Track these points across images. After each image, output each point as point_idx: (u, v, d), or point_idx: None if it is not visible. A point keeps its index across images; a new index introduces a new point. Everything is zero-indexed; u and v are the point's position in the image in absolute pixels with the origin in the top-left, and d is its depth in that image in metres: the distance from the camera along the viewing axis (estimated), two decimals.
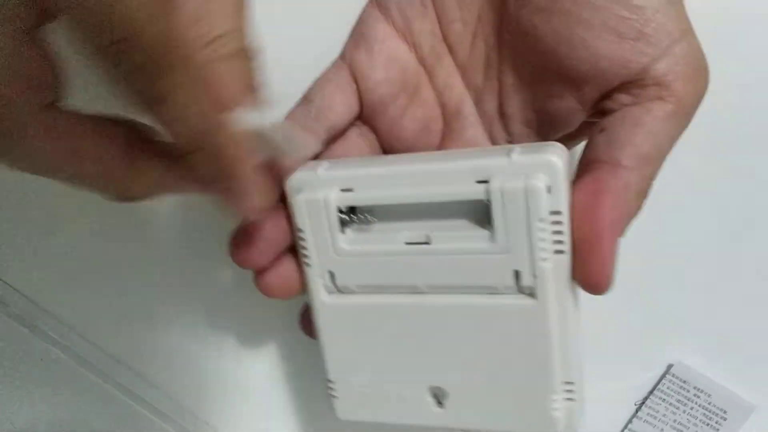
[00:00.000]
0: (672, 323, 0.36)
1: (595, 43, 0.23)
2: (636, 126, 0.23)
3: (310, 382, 0.37)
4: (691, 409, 0.36)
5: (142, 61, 0.17)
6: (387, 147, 0.29)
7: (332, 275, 0.26)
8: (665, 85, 0.23)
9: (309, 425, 0.39)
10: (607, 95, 0.24)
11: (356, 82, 0.28)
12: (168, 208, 0.35)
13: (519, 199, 0.22)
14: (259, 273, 0.27)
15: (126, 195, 0.22)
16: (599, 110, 0.24)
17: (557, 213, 0.22)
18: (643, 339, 0.36)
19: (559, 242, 0.23)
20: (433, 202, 0.24)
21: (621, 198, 0.22)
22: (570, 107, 0.25)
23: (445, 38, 0.27)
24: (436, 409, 0.26)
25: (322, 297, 0.27)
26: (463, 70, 0.28)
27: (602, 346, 0.36)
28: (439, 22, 0.27)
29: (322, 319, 0.27)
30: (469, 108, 0.28)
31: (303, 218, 0.25)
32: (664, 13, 0.22)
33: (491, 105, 0.27)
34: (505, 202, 0.22)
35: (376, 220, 0.25)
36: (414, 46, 0.28)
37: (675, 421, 0.37)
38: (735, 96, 0.30)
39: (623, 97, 0.23)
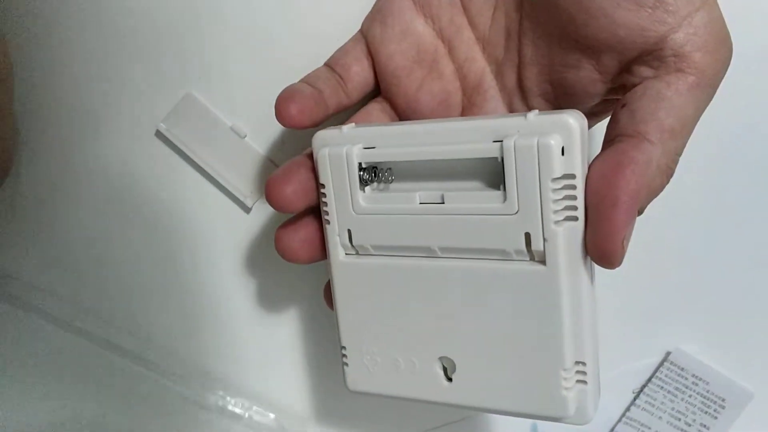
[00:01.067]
0: (670, 311, 0.35)
1: (613, 11, 0.23)
2: (658, 100, 0.23)
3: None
4: (690, 396, 0.36)
5: None
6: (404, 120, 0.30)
7: (350, 234, 0.27)
8: (684, 56, 0.22)
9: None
10: (627, 68, 0.24)
11: (371, 55, 0.29)
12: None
13: (531, 157, 0.22)
14: (281, 238, 0.28)
15: None
16: (620, 85, 0.24)
17: (571, 176, 0.22)
18: (642, 326, 0.36)
19: (572, 208, 0.22)
20: (450, 159, 0.24)
21: (643, 171, 0.22)
22: (589, 77, 0.25)
23: (466, 11, 0.27)
24: (445, 383, 0.26)
25: (339, 257, 0.27)
26: (484, 44, 0.28)
27: (600, 334, 0.36)
28: None
29: (338, 280, 0.28)
30: (489, 81, 0.28)
31: (326, 172, 0.26)
32: None
33: (511, 78, 0.27)
34: (517, 159, 0.22)
35: (393, 178, 0.26)
36: (432, 19, 0.28)
37: (673, 408, 0.37)
38: (735, 92, 0.30)
39: (643, 70, 0.23)
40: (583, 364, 0.24)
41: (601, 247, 0.22)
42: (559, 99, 0.27)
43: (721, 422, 0.36)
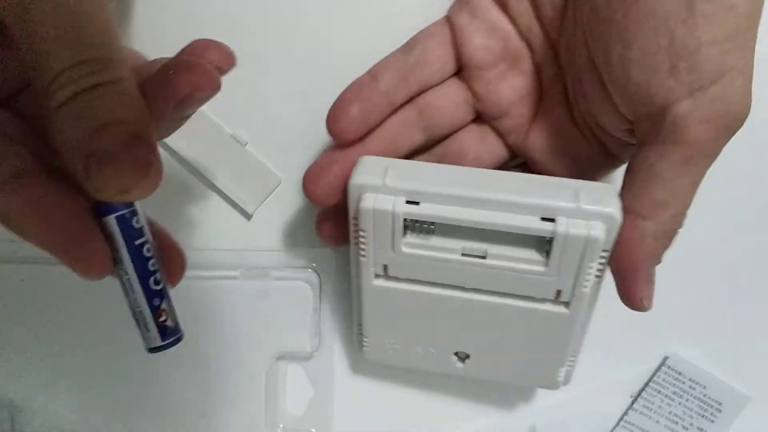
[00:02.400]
0: (667, 316, 0.36)
1: (629, 67, 0.22)
2: (651, 174, 0.23)
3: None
4: (687, 400, 0.37)
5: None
6: (480, 108, 0.30)
7: (386, 267, 0.28)
8: (681, 129, 0.22)
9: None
10: (634, 125, 0.24)
11: (456, 44, 0.29)
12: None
13: (579, 243, 0.24)
14: (311, 181, 0.28)
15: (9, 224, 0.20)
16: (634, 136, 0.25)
17: (605, 251, 0.25)
18: (639, 331, 0.36)
19: (600, 272, 0.26)
20: (493, 225, 0.25)
21: (642, 246, 0.24)
22: (610, 118, 0.25)
23: (539, 19, 0.28)
24: (459, 365, 0.31)
25: (372, 281, 0.28)
26: (555, 51, 0.28)
27: (598, 339, 0.36)
28: (532, 2, 0.28)
29: (367, 298, 0.29)
30: (558, 88, 0.28)
31: (368, 222, 0.26)
32: (712, 48, 0.21)
33: (571, 89, 0.28)
34: (567, 242, 0.25)
35: (435, 229, 0.26)
36: (513, 20, 0.28)
37: (670, 412, 0.37)
38: None
39: (643, 133, 0.23)
40: (574, 357, 0.30)
41: (634, 304, 0.25)
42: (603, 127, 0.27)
43: (718, 426, 0.37)
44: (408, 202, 0.25)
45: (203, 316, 0.35)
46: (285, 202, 0.35)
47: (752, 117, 0.32)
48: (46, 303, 0.36)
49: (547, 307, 0.27)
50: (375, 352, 0.31)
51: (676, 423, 0.37)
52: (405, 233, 0.26)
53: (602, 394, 0.37)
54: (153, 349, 0.22)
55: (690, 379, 0.36)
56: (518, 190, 0.25)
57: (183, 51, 0.23)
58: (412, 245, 0.26)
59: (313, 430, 0.37)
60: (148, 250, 0.21)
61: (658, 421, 0.37)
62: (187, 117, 0.23)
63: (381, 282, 0.28)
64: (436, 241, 0.26)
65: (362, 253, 0.27)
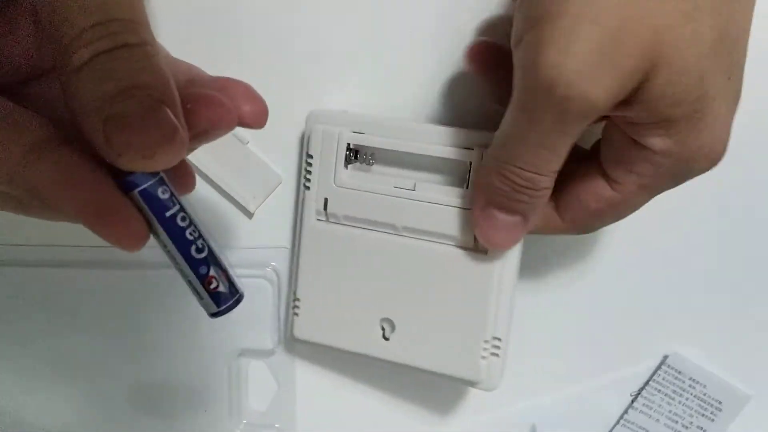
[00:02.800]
0: (667, 314, 0.36)
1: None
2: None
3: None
4: (687, 399, 0.37)
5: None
6: None
7: (326, 202, 0.31)
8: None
9: None
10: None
11: None
12: None
13: None
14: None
15: (36, 205, 0.19)
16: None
17: None
18: (639, 330, 0.36)
19: None
20: (425, 155, 0.29)
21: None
22: None
23: None
24: (382, 341, 0.31)
25: (311, 221, 0.31)
26: None
27: (598, 337, 0.36)
28: None
29: (305, 241, 0.32)
30: None
31: (316, 146, 0.30)
32: None
33: None
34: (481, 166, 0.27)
35: (374, 162, 0.30)
36: None
37: (670, 411, 0.37)
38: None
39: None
40: (499, 339, 0.30)
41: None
42: None
43: (718, 425, 0.37)
44: (353, 132, 0.30)
45: (164, 311, 0.35)
46: (285, 200, 0.35)
47: (752, 117, 0.33)
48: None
49: (468, 252, 0.29)
50: (306, 323, 0.32)
51: (676, 422, 0.37)
52: (346, 166, 0.30)
53: (602, 393, 0.37)
54: (213, 315, 0.21)
55: (690, 378, 0.36)
56: (446, 129, 0.29)
57: (215, 82, 0.22)
58: (352, 176, 0.30)
59: (277, 425, 0.37)
60: (183, 219, 0.20)
61: (658, 420, 0.37)
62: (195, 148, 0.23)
63: (320, 225, 0.31)
64: (372, 174, 0.31)
65: (307, 183, 0.31)
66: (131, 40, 0.17)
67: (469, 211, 0.28)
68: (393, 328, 0.31)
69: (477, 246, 0.29)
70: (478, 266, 0.29)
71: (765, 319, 0.36)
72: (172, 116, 0.17)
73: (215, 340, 0.36)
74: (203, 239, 0.21)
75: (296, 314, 0.33)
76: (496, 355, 0.30)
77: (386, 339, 0.31)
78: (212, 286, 0.21)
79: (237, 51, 0.33)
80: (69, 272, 0.34)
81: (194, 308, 0.35)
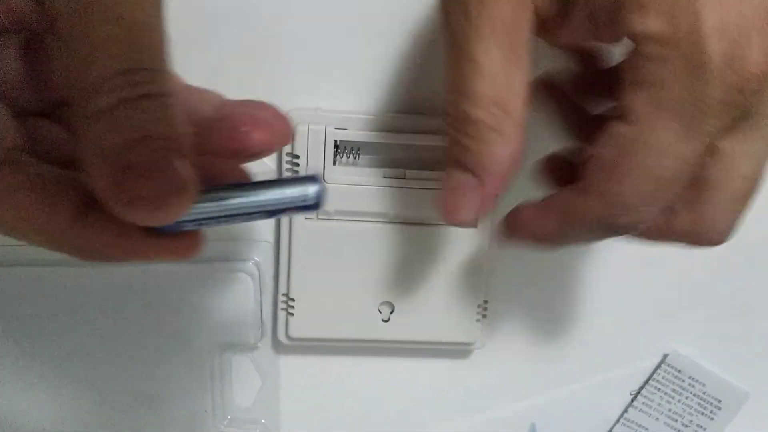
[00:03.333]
0: (667, 314, 0.36)
1: None
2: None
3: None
4: (686, 398, 0.37)
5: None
6: None
7: None
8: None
9: None
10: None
11: None
12: None
13: None
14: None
15: (88, 257, 0.20)
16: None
17: None
18: (639, 329, 0.36)
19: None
20: (411, 145, 0.30)
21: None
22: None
23: None
24: (382, 324, 0.32)
25: (302, 221, 0.31)
26: None
27: (598, 336, 0.36)
28: None
29: (297, 241, 0.32)
30: None
31: (302, 145, 0.30)
32: None
33: None
34: None
35: (360, 156, 0.31)
36: None
37: (670, 410, 0.37)
38: None
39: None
40: (486, 302, 0.33)
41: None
42: None
43: (717, 423, 0.37)
44: (337, 129, 0.30)
45: (147, 307, 0.35)
46: None
47: None
48: None
49: (460, 230, 0.31)
50: (303, 321, 0.32)
51: (676, 420, 0.37)
52: (334, 162, 0.30)
53: (602, 392, 0.37)
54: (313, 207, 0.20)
55: (689, 377, 0.36)
56: (426, 118, 0.30)
57: (245, 105, 0.22)
58: (341, 172, 0.30)
59: (263, 420, 0.37)
60: (223, 210, 0.19)
61: (657, 419, 0.37)
62: None
63: (311, 222, 0.31)
64: (361, 169, 0.31)
65: None
66: (153, 90, 0.17)
67: None
68: (392, 309, 0.32)
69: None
70: (469, 240, 0.31)
71: (764, 319, 0.36)
72: (186, 167, 0.17)
73: (197, 335, 0.35)
74: (245, 205, 0.19)
75: (291, 314, 0.33)
76: (485, 316, 0.33)
77: (385, 321, 0.32)
78: (290, 208, 0.19)
79: (207, 57, 0.33)
80: (69, 271, 0.34)
81: (177, 303, 0.35)
